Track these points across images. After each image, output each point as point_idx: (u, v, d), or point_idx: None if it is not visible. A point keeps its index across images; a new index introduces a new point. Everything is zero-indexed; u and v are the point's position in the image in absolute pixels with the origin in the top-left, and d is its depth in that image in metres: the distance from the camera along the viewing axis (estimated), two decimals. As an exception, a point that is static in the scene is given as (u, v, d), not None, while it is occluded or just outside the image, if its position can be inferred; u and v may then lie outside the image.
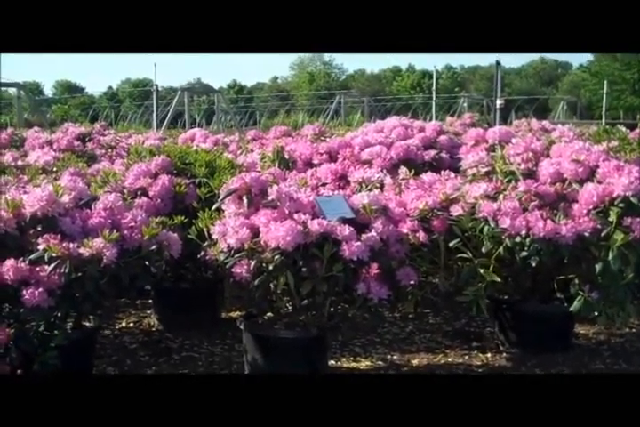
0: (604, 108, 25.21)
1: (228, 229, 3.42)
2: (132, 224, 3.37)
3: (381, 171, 4.50)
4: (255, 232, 3.37)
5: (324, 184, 4.46)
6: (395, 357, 4.09)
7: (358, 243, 3.30)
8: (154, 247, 3.35)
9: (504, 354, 4.12)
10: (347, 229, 3.32)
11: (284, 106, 37.37)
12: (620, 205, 3.51)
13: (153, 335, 4.42)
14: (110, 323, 4.58)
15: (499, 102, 14.85)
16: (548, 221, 3.52)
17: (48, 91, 62.29)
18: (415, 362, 4.02)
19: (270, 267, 3.27)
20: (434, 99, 22.78)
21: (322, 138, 5.84)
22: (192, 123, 24.97)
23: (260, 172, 4.20)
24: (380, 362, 4.01)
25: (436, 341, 4.39)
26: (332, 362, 3.95)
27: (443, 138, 5.69)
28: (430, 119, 19.65)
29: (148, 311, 4.78)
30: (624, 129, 5.10)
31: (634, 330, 4.58)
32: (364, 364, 3.97)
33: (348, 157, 4.93)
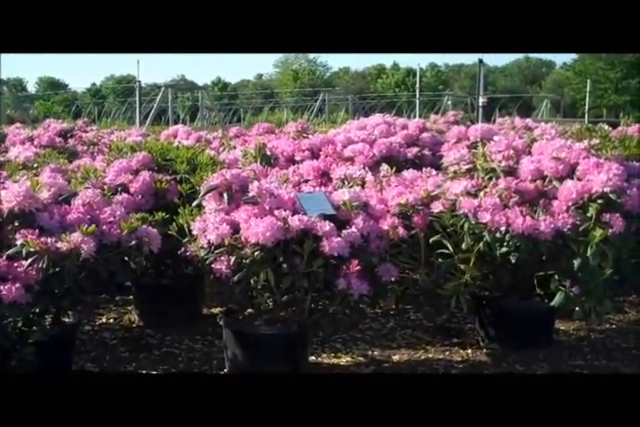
0: (586, 107, 25.33)
1: (208, 226, 3.42)
2: (111, 219, 3.36)
3: (363, 168, 4.50)
4: (235, 228, 3.37)
5: (305, 181, 4.45)
6: (375, 353, 4.09)
7: (338, 239, 3.31)
8: (133, 243, 3.34)
9: (484, 350, 4.13)
10: (327, 226, 3.32)
11: (268, 103, 37.32)
12: (599, 201, 3.53)
13: (133, 331, 4.40)
14: (90, 319, 4.56)
15: (481, 100, 14.89)
16: (528, 218, 3.53)
17: (31, 87, 61.98)
18: (396, 358, 4.02)
19: (250, 263, 3.27)
20: (417, 97, 22.79)
21: (304, 135, 5.83)
22: (176, 120, 24.90)
23: (241, 168, 4.19)
24: (360, 358, 4.01)
25: (417, 337, 4.39)
26: (313, 358, 3.95)
27: (425, 135, 5.70)
28: (415, 117, 19.68)
29: (129, 307, 4.76)
30: (606, 127, 5.14)
31: (614, 326, 4.61)
32: (345, 360, 3.98)
33: (330, 154, 4.92)
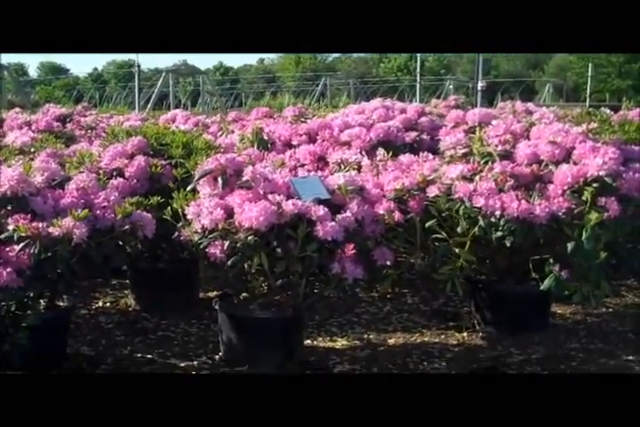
0: (587, 91, 25.24)
1: (202, 210, 3.41)
2: (105, 204, 3.36)
3: (360, 152, 4.49)
4: (229, 213, 3.37)
5: (302, 165, 4.44)
6: (371, 336, 4.10)
7: (332, 223, 3.30)
8: (127, 227, 3.34)
9: (480, 334, 4.13)
10: (321, 210, 3.32)
11: (269, 88, 37.22)
12: (595, 184, 3.52)
13: (129, 315, 4.42)
14: (87, 303, 4.57)
15: (480, 84, 14.83)
16: (523, 202, 3.52)
17: (32, 72, 61.88)
18: (391, 341, 4.03)
19: (244, 247, 3.27)
20: (418, 81, 22.66)
21: (302, 119, 5.81)
22: (177, 104, 24.85)
23: (237, 153, 4.18)
24: (356, 341, 4.01)
25: (413, 320, 4.40)
26: (309, 342, 3.96)
27: (424, 120, 5.67)
28: (416, 102, 19.59)
29: (126, 291, 4.77)
30: (608, 111, 5.12)
31: (610, 309, 4.61)
32: (341, 343, 3.98)
33: (327, 139, 4.91)
